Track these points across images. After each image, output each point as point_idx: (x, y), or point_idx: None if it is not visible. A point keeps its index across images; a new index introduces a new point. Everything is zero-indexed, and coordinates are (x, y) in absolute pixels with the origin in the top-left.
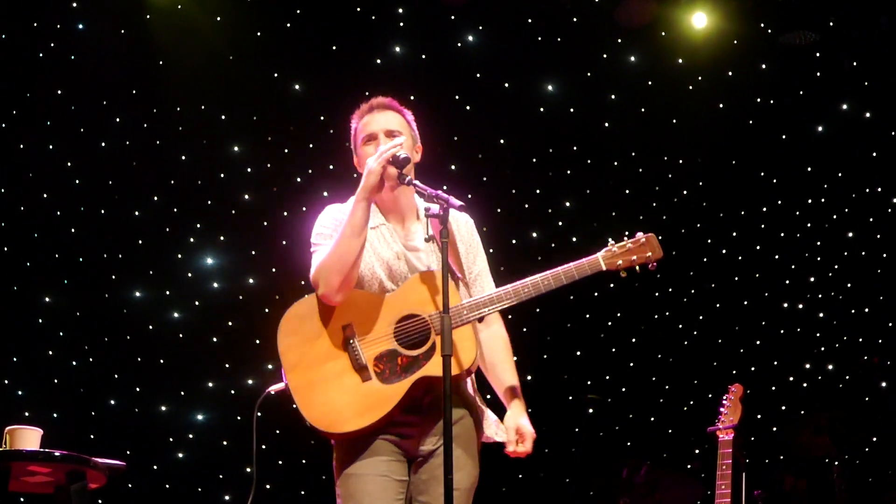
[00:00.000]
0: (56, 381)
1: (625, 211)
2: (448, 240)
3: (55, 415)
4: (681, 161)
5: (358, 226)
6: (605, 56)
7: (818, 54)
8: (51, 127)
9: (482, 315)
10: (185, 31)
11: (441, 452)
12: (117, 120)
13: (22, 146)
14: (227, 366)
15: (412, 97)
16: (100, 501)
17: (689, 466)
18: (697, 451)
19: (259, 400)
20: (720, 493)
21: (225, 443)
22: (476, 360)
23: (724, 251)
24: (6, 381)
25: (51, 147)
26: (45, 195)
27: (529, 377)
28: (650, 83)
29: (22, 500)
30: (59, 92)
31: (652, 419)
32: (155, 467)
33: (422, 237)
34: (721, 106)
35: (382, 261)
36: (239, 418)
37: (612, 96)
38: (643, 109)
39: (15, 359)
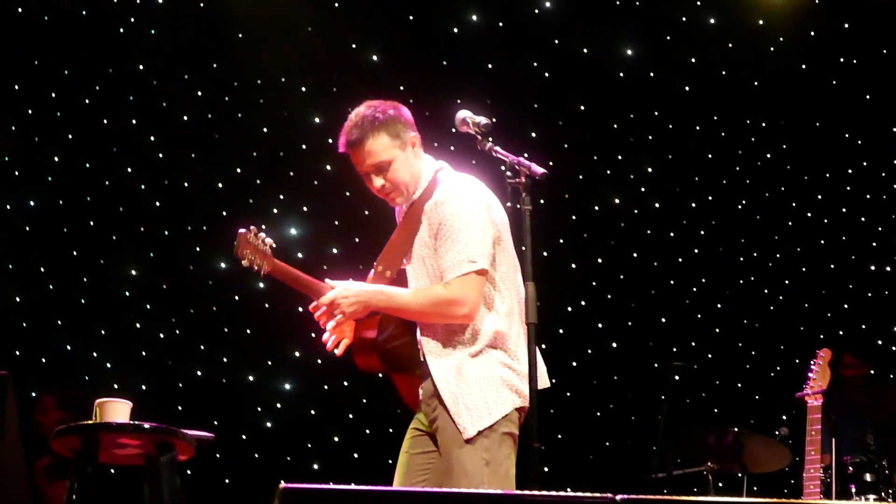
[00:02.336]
0: (144, 353)
1: (707, 175)
2: (530, 208)
3: (143, 387)
4: (763, 124)
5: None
6: (683, 18)
7: None
8: (133, 102)
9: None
10: (264, 3)
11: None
12: (199, 93)
13: (105, 121)
14: (312, 335)
15: (490, 65)
16: (189, 472)
17: (777, 432)
18: (785, 417)
19: None
20: (809, 459)
21: (312, 412)
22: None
23: (808, 214)
24: (94, 354)
25: (133, 122)
26: (129, 169)
27: (614, 344)
28: (730, 45)
29: (112, 471)
30: (141, 67)
31: (739, 385)
32: (243, 437)
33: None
34: (804, 66)
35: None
36: (325, 387)
37: (692, 59)
38: (724, 72)
39: (103, 332)
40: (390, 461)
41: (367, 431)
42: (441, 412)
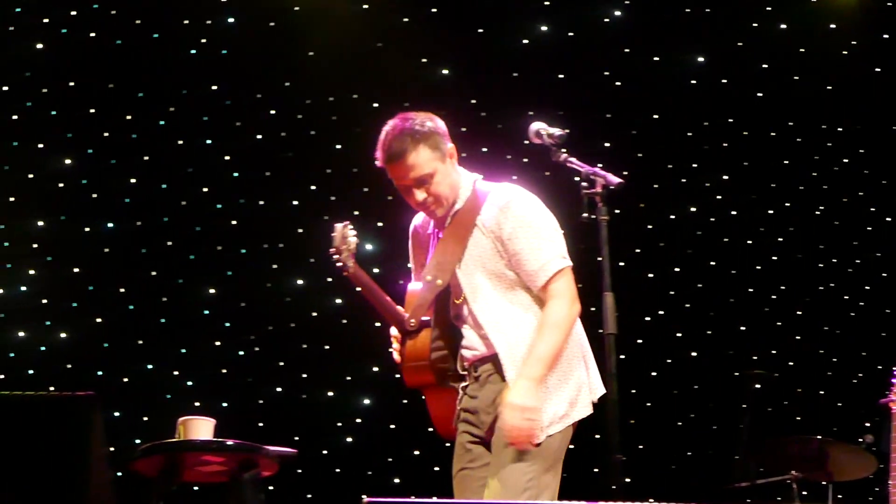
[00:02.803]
0: (224, 371)
1: (784, 181)
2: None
3: (224, 404)
4: (839, 129)
5: None
6: (754, 24)
7: None
8: (207, 122)
9: None
10: (333, 21)
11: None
12: (272, 112)
13: (181, 142)
14: (390, 350)
15: (561, 76)
16: (271, 488)
17: (861, 440)
18: (868, 425)
19: None
20: (895, 467)
21: (392, 426)
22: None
23: (888, 218)
24: (176, 373)
25: (208, 142)
26: (204, 189)
27: (694, 353)
28: (802, 50)
29: (196, 489)
30: (214, 87)
31: (821, 393)
32: (324, 453)
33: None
34: (878, 70)
35: None
36: (405, 401)
37: (764, 65)
38: (796, 77)
39: (183, 350)
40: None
41: (447, 445)
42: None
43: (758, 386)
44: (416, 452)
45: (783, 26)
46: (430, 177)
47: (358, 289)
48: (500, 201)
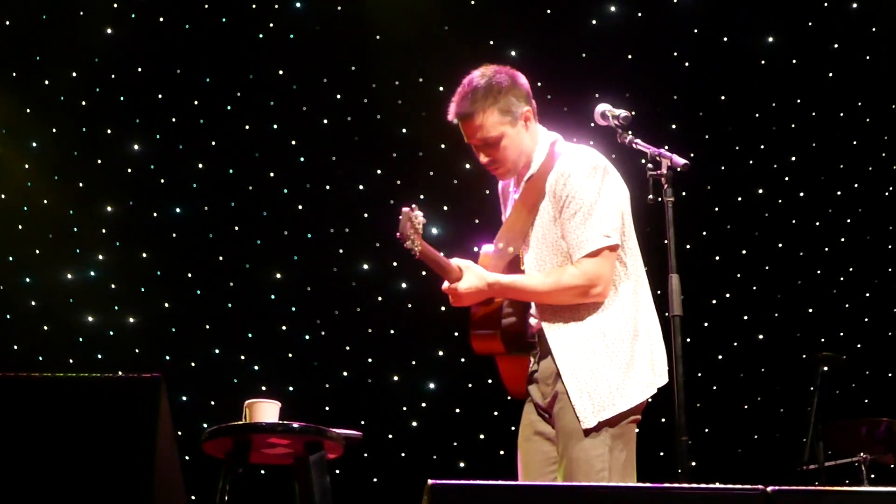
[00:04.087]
0: (290, 355)
1: (853, 163)
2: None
3: (291, 388)
4: None
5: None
6: (825, 4)
7: None
8: (274, 107)
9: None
10: (400, 5)
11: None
12: (338, 97)
13: (247, 127)
14: (455, 334)
15: (629, 56)
16: (337, 471)
17: None
18: None
19: None
20: None
21: (457, 410)
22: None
23: None
24: (243, 357)
25: (275, 126)
26: (271, 174)
27: (761, 336)
28: (874, 29)
29: (262, 472)
30: (281, 72)
31: (889, 375)
32: (390, 436)
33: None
34: None
35: None
36: (469, 385)
37: (835, 45)
38: (868, 57)
39: (250, 335)
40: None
41: (513, 429)
42: (562, 396)
43: (826, 368)
44: (482, 436)
45: (854, 6)
46: (497, 140)
47: (429, 267)
48: (564, 167)
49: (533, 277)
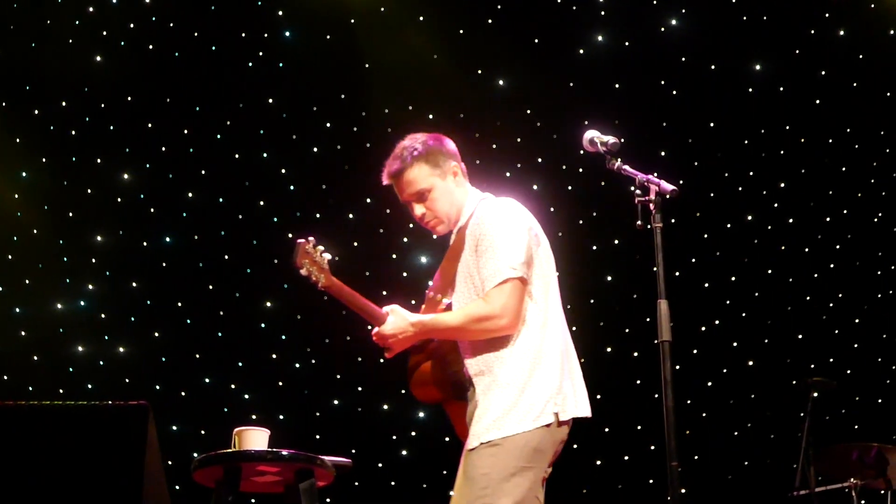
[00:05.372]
0: (280, 383)
1: (842, 189)
2: (661, 226)
3: (281, 416)
4: None
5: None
6: (812, 32)
7: None
8: (264, 135)
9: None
10: (389, 33)
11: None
12: (328, 125)
13: (237, 156)
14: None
15: (616, 85)
16: (328, 500)
17: None
18: None
19: None
20: None
21: (447, 439)
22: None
23: None
24: (233, 386)
25: (265, 155)
26: (261, 202)
27: (751, 362)
28: (861, 56)
29: (253, 500)
30: (270, 101)
31: (880, 400)
32: (380, 465)
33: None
34: None
35: None
36: None
37: (822, 72)
38: (855, 84)
39: (240, 364)
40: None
41: None
42: (484, 424)
43: (816, 394)
44: None
45: (842, 33)
46: (427, 192)
47: (338, 299)
48: (480, 213)
49: (449, 314)
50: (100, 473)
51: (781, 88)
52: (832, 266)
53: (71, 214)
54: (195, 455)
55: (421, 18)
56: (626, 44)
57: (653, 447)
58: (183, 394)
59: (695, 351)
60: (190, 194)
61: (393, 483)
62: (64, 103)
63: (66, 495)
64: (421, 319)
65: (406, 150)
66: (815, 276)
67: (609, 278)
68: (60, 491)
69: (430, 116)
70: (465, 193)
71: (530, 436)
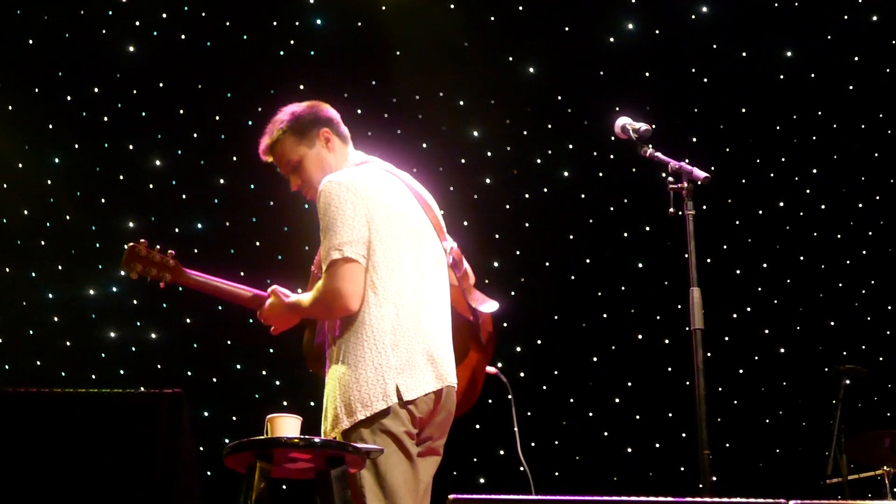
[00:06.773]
0: (311, 370)
1: (874, 175)
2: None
3: (312, 403)
4: None
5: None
6: (844, 17)
7: None
8: None
9: None
10: (420, 20)
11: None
12: (358, 111)
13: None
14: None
15: (647, 73)
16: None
17: None
18: None
19: None
20: None
21: (477, 426)
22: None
23: None
24: (264, 372)
25: None
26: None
27: (782, 349)
28: (894, 42)
29: (284, 486)
30: (301, 87)
31: None
32: None
33: None
34: None
35: None
36: (490, 401)
37: (855, 58)
38: (888, 69)
39: (272, 350)
40: (556, 473)
41: (533, 444)
42: (328, 404)
43: (848, 381)
44: (501, 452)
45: (874, 18)
46: (297, 162)
47: (202, 291)
48: (319, 190)
49: (304, 294)
50: (135, 460)
51: (813, 74)
52: (864, 253)
53: (103, 200)
54: (226, 441)
55: (451, 6)
56: (657, 31)
57: (684, 435)
58: (214, 380)
59: (726, 338)
60: (221, 180)
61: None
62: (96, 89)
63: (99, 482)
64: (292, 300)
65: (274, 124)
66: (847, 262)
67: (640, 265)
68: (94, 478)
69: (461, 103)
70: (340, 158)
71: (393, 414)
